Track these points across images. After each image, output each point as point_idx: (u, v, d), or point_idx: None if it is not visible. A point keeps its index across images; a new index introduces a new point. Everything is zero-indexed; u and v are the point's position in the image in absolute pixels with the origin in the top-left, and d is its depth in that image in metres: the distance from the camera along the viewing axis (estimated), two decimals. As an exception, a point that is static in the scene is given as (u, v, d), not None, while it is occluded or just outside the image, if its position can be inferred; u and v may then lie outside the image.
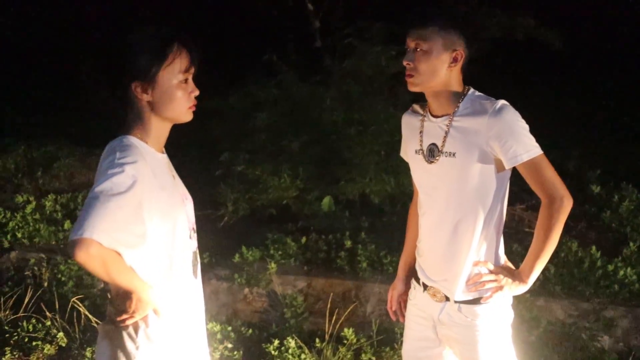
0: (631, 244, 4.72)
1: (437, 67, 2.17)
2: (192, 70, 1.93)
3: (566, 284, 4.37)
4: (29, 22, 10.52)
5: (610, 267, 4.41)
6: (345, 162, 5.99)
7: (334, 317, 4.06)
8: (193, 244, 2.04)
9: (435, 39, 2.16)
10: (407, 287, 2.56)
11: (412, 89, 2.23)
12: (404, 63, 2.21)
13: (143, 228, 1.79)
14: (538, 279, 4.34)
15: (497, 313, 2.28)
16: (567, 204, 2.15)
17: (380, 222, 5.59)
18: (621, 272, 4.35)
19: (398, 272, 2.62)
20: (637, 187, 5.55)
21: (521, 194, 4.81)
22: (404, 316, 2.56)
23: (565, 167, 6.19)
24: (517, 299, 4.38)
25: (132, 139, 1.86)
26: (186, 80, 1.91)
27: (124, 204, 1.71)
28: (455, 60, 2.19)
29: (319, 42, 7.73)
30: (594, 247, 4.60)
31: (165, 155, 2.00)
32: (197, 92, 1.94)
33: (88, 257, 1.67)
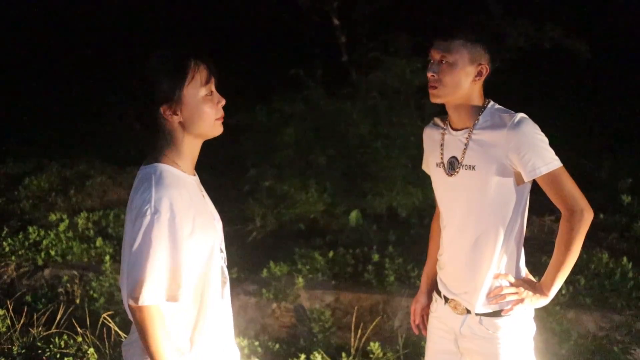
0: (664, 254, 4.64)
1: (462, 80, 2.16)
2: (213, 81, 1.93)
3: (597, 296, 4.30)
4: (58, 44, 10.77)
5: (642, 279, 4.33)
6: (372, 175, 6.01)
7: (360, 332, 4.06)
8: (222, 264, 2.05)
9: (461, 52, 2.14)
10: (430, 300, 2.55)
11: (435, 100, 2.22)
12: (429, 75, 2.18)
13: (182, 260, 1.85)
14: (568, 291, 4.33)
15: (519, 325, 2.27)
16: (587, 217, 2.12)
17: (407, 235, 5.57)
18: (653, 283, 4.27)
19: (421, 286, 2.62)
20: (669, 197, 5.45)
21: (550, 205, 4.76)
22: (426, 329, 2.56)
23: (597, 176, 6.11)
24: (547, 312, 4.34)
25: (165, 167, 1.87)
26: (211, 93, 1.92)
27: (166, 253, 1.78)
28: (479, 74, 2.18)
29: (345, 56, 7.77)
30: (625, 258, 4.52)
31: (196, 177, 2.01)
32: (223, 102, 1.94)
33: (152, 322, 1.78)
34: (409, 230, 5.65)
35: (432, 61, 2.19)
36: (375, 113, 6.41)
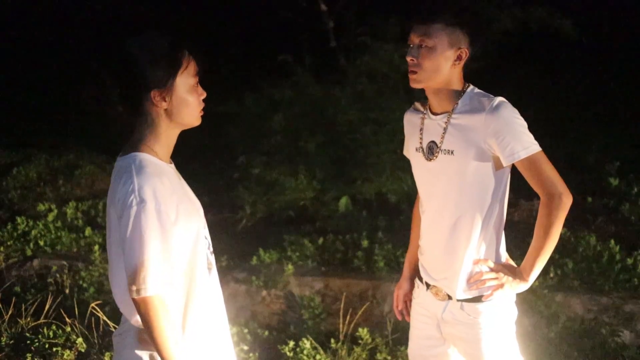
0: (651, 236, 4.66)
1: (441, 65, 2.14)
2: (199, 73, 1.95)
3: (585, 278, 4.33)
4: (48, 31, 10.68)
5: (630, 261, 4.35)
6: (361, 161, 6.00)
7: (349, 318, 4.07)
8: (208, 244, 2.06)
9: (440, 36, 2.12)
10: (413, 286, 2.56)
11: (415, 85, 2.20)
12: (408, 59, 2.16)
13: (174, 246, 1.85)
14: (556, 274, 4.35)
15: (500, 310, 2.27)
16: (566, 201, 2.12)
17: (397, 221, 5.58)
18: (641, 266, 4.29)
19: (403, 271, 2.62)
20: (656, 180, 5.47)
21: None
22: (409, 315, 2.56)
23: (584, 159, 6.12)
24: (536, 295, 4.36)
25: (144, 156, 1.87)
26: (196, 84, 1.93)
27: (158, 240, 1.78)
28: (459, 58, 2.16)
29: (333, 42, 7.73)
30: (612, 241, 4.54)
31: (172, 165, 2.02)
32: (204, 95, 1.97)
33: (157, 313, 1.77)
34: (398, 216, 5.66)
35: (411, 45, 2.17)
36: (364, 98, 6.40)
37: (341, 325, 4.03)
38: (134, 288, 1.76)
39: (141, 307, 1.78)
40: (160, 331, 1.79)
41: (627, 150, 6.44)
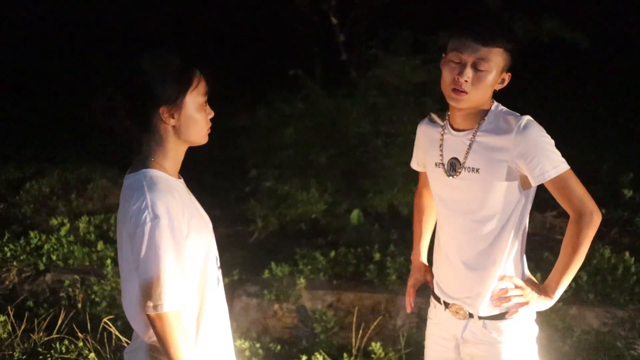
0: (667, 248, 4.61)
1: (490, 88, 2.12)
2: (208, 92, 1.97)
3: (600, 291, 4.28)
4: (62, 49, 10.78)
5: (645, 273, 4.30)
6: (373, 174, 5.99)
7: (361, 332, 4.04)
8: (216, 259, 2.07)
9: (498, 61, 2.08)
10: (423, 275, 2.53)
11: (461, 105, 2.13)
12: (461, 79, 2.07)
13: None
14: (570, 287, 4.30)
15: (522, 328, 2.24)
16: (597, 219, 2.09)
17: (409, 234, 5.51)
18: (656, 278, 4.24)
19: (414, 262, 2.58)
20: (671, 190, 5.42)
21: (552, 200, 4.74)
22: (411, 306, 2.54)
23: (598, 171, 6.08)
24: (550, 308, 4.30)
25: (154, 172, 1.89)
26: (205, 103, 1.95)
27: (173, 256, 1.78)
28: (502, 82, 2.14)
29: (344, 55, 7.74)
30: (627, 253, 4.50)
31: (182, 180, 2.03)
32: (212, 114, 1.99)
33: (172, 330, 1.78)
34: (410, 229, 5.59)
35: (459, 62, 2.09)
36: (375, 111, 6.39)
37: (354, 340, 4.01)
38: (150, 304, 1.76)
39: (157, 323, 1.78)
40: (177, 348, 1.78)
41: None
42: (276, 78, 7.13)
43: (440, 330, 2.38)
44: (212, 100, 2.02)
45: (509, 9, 6.16)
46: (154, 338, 1.86)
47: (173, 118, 1.88)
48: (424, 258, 2.57)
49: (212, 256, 2.00)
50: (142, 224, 1.77)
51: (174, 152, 1.95)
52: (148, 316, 1.79)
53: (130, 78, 1.88)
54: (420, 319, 4.37)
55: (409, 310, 2.58)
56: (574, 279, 4.39)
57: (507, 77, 2.14)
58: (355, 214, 5.90)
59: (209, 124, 1.98)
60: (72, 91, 9.83)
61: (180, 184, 1.98)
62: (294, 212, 5.98)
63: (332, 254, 5.08)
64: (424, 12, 7.39)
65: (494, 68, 2.08)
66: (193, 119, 1.91)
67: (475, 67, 2.08)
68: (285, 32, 8.88)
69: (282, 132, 6.37)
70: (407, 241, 5.35)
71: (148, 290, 1.76)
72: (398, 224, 5.71)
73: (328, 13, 7.81)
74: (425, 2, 7.71)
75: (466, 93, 2.10)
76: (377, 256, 4.93)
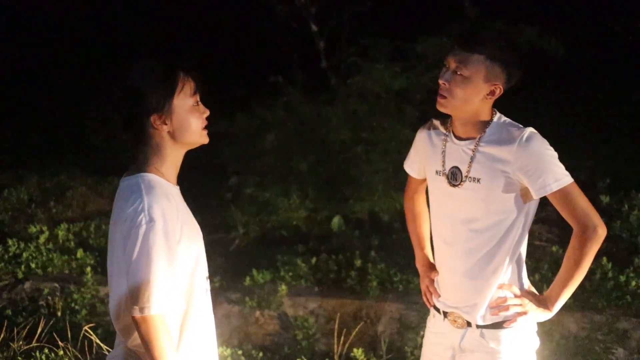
0: (642, 253, 4.68)
1: (472, 97, 2.10)
2: (198, 92, 1.97)
3: (578, 296, 4.33)
4: (40, 55, 10.69)
5: (622, 278, 4.37)
6: (354, 180, 6.01)
7: (343, 338, 4.06)
8: (206, 269, 2.07)
9: (478, 67, 2.08)
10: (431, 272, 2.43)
11: (441, 109, 2.16)
12: (440, 81, 2.11)
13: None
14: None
15: (522, 339, 2.22)
16: (601, 233, 2.08)
17: (390, 240, 5.59)
18: (633, 283, 4.31)
19: (423, 269, 2.48)
20: (647, 196, 5.51)
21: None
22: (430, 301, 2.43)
23: (576, 177, 6.14)
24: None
25: (153, 177, 1.89)
26: (197, 103, 1.96)
27: (165, 260, 1.79)
28: (492, 93, 2.12)
29: (324, 62, 7.77)
30: (605, 258, 4.56)
31: (178, 188, 2.03)
32: (207, 112, 1.99)
33: (158, 333, 1.78)
34: (391, 235, 5.67)
35: (446, 68, 2.13)
36: (356, 118, 6.42)
37: (335, 346, 4.02)
38: (137, 307, 1.76)
39: (142, 326, 1.78)
40: (161, 351, 1.79)
41: (617, 167, 6.49)
42: (257, 84, 7.15)
43: (438, 339, 2.36)
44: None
45: (487, 18, 6.23)
46: (137, 342, 1.86)
47: (166, 124, 1.89)
48: (431, 260, 2.48)
49: (201, 266, 2.00)
50: (137, 226, 1.78)
51: (172, 157, 1.95)
52: (133, 318, 1.79)
53: (118, 91, 1.90)
54: (402, 325, 4.39)
55: (430, 305, 2.45)
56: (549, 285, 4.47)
57: (497, 89, 2.12)
58: (336, 220, 5.92)
59: (205, 123, 1.97)
60: (50, 98, 9.78)
61: (176, 191, 1.98)
62: (275, 219, 5.98)
63: (314, 260, 5.10)
64: (404, 20, 7.46)
65: (474, 75, 2.08)
66: (186, 122, 1.91)
67: (455, 71, 2.10)
68: (265, 39, 8.90)
69: (263, 138, 6.38)
70: (387, 248, 5.39)
71: (137, 292, 1.76)
72: (379, 231, 5.75)
73: (308, 20, 7.84)
74: (405, 10, 7.77)
75: (444, 97, 2.12)
76: (358, 263, 4.95)
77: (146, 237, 1.77)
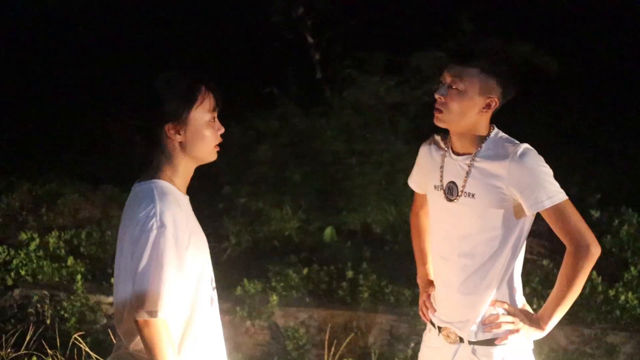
0: (632, 268, 4.70)
1: (468, 110, 2.10)
2: (217, 109, 1.99)
3: (567, 310, 4.34)
4: (37, 58, 10.69)
5: (612, 292, 4.39)
6: (347, 192, 6.04)
7: (333, 349, 4.05)
8: (211, 279, 2.07)
9: (473, 81, 2.09)
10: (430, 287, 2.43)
11: (438, 124, 2.16)
12: (435, 96, 2.12)
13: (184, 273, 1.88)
14: (539, 306, 4.36)
15: (514, 357, 2.18)
16: (594, 252, 2.06)
17: (382, 252, 5.60)
18: (622, 297, 4.33)
19: (423, 285, 2.46)
20: (637, 211, 5.54)
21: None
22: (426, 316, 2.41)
23: (566, 192, 6.17)
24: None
25: (165, 184, 1.91)
26: (214, 119, 1.98)
27: (174, 266, 1.80)
28: (488, 106, 2.12)
29: (319, 74, 7.81)
30: (594, 272, 4.58)
31: (188, 197, 2.04)
32: (222, 130, 2.00)
33: (161, 337, 1.78)
34: (383, 247, 5.68)
35: (442, 82, 2.14)
36: (349, 130, 6.45)
37: (326, 357, 4.02)
38: (143, 310, 1.77)
39: (145, 330, 1.79)
40: (163, 356, 1.79)
41: (608, 182, 6.53)
42: (251, 95, 7.16)
43: (432, 354, 2.34)
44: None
45: (482, 33, 6.28)
46: (140, 346, 1.86)
47: (179, 134, 1.90)
48: (431, 276, 2.46)
49: (207, 276, 2.01)
50: (147, 231, 1.79)
51: (183, 169, 1.97)
52: (136, 322, 1.79)
53: (137, 96, 1.93)
54: (392, 336, 4.40)
55: (426, 320, 2.42)
56: (543, 298, 4.45)
57: (493, 102, 2.13)
58: (328, 231, 5.93)
59: (219, 140, 1.99)
60: (43, 106, 9.77)
61: (186, 200, 2.00)
62: (267, 229, 5.99)
63: (305, 271, 5.10)
64: (399, 34, 7.50)
65: (469, 89, 2.09)
66: (200, 135, 1.93)
67: (451, 86, 2.11)
68: (261, 50, 8.93)
69: (257, 149, 6.40)
70: (379, 260, 5.40)
71: (144, 295, 1.77)
72: (371, 242, 5.75)
73: (304, 32, 7.88)
74: (400, 24, 7.82)
75: (441, 112, 2.13)
76: (349, 274, 4.95)
77: (157, 241, 1.78)
